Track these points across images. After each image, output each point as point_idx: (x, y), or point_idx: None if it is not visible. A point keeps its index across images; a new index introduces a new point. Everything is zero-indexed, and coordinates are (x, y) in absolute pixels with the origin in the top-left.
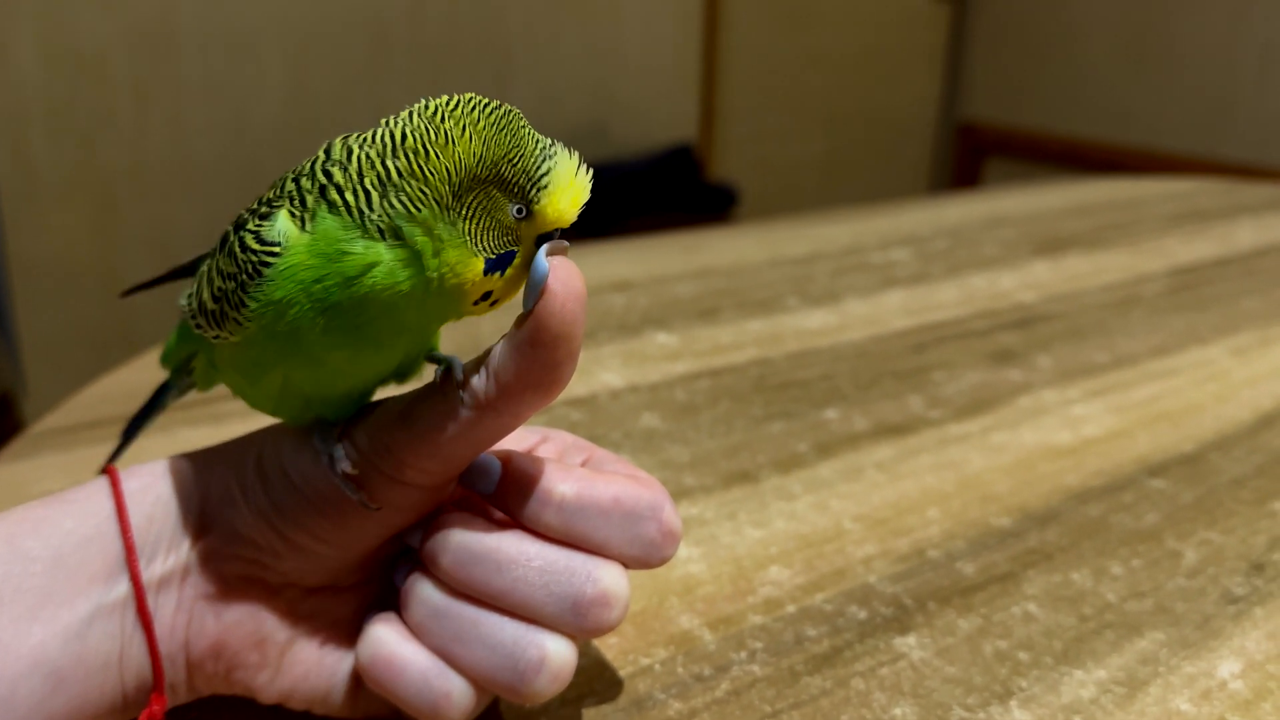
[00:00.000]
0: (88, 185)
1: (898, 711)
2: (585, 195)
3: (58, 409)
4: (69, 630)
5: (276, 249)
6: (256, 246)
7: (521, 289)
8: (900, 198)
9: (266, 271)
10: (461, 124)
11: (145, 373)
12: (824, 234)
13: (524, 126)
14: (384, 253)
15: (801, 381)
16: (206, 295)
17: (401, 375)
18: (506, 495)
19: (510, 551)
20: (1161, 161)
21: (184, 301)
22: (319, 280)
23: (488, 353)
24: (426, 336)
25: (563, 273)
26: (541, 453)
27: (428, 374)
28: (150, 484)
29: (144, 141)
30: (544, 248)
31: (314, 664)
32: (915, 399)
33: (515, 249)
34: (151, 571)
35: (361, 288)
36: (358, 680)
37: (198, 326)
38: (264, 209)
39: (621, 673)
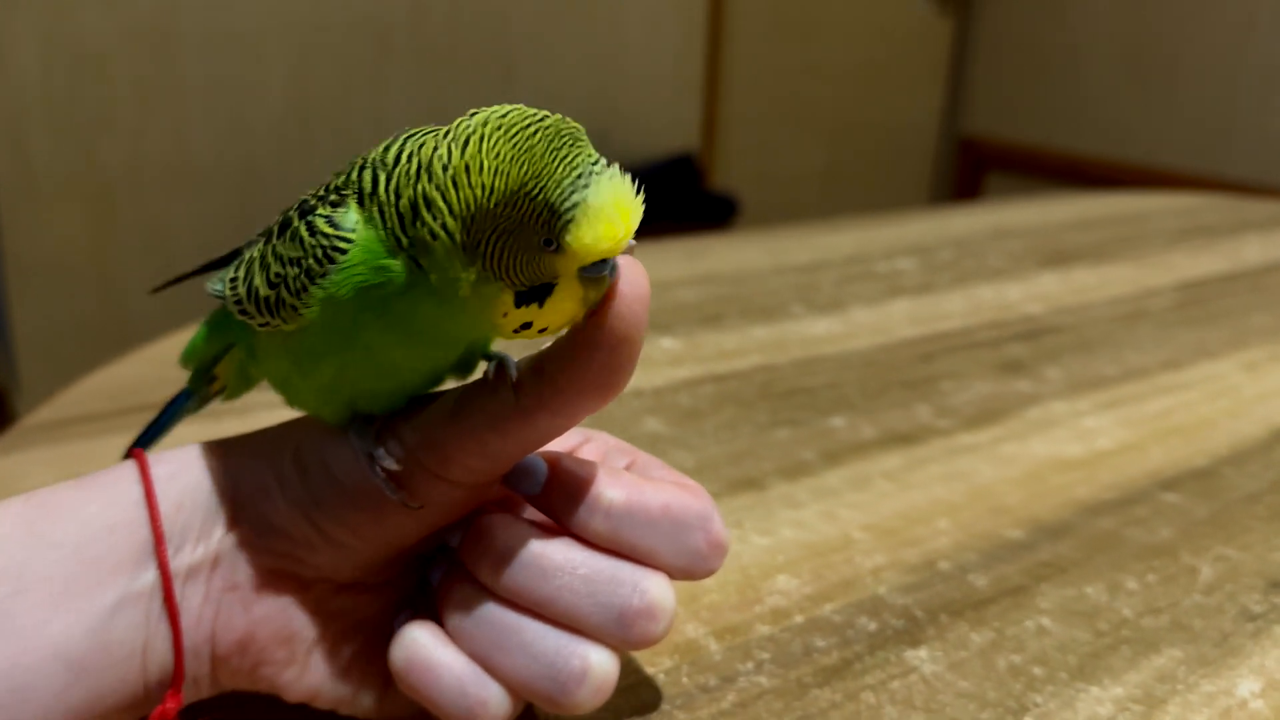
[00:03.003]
0: (86, 184)
1: None
2: (627, 225)
3: (47, 403)
4: (92, 619)
5: (350, 235)
6: (330, 231)
7: (571, 318)
8: (901, 211)
9: (338, 258)
10: (483, 149)
11: (137, 367)
12: (828, 242)
13: (554, 149)
14: (407, 275)
15: (807, 389)
16: (260, 281)
17: (463, 369)
18: (552, 498)
19: (556, 558)
20: (1162, 179)
21: (219, 286)
22: (370, 288)
23: (544, 350)
24: (483, 340)
25: (629, 273)
26: (584, 454)
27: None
28: (180, 470)
29: (143, 141)
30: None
31: (344, 663)
32: (923, 408)
33: (552, 281)
34: (179, 561)
35: (399, 304)
36: (387, 680)
37: (243, 313)
38: (333, 196)
39: (625, 682)
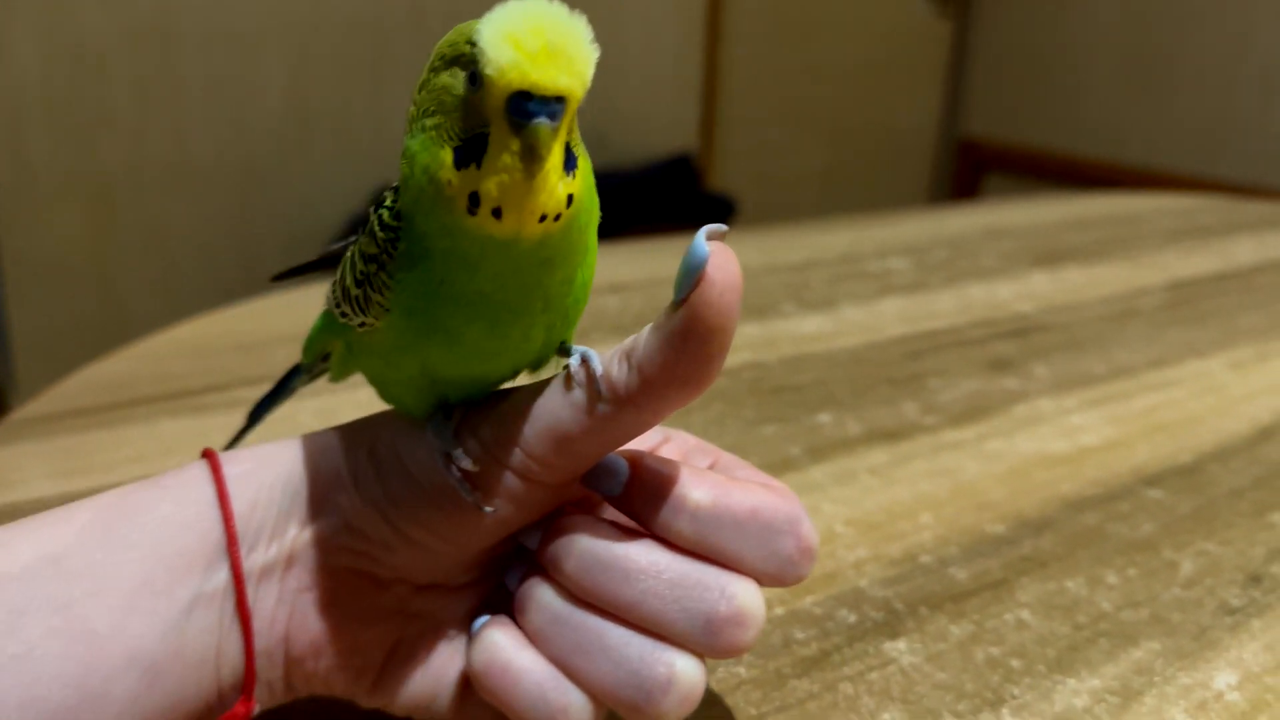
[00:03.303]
0: (85, 182)
1: (886, 716)
2: (545, 41)
3: (40, 397)
4: (168, 621)
5: None
6: (393, 223)
7: (512, 183)
8: (898, 211)
9: (401, 246)
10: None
11: (130, 362)
12: (821, 242)
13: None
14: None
15: (795, 386)
16: (350, 281)
17: (536, 364)
18: (634, 499)
19: (640, 560)
20: (1160, 180)
21: (330, 291)
22: (425, 238)
23: (629, 343)
24: (556, 309)
25: (721, 259)
26: (664, 454)
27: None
28: (254, 469)
29: (143, 140)
30: (702, 231)
31: (421, 666)
32: (910, 405)
33: (484, 129)
34: (253, 561)
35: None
36: (465, 686)
37: (343, 315)
38: (397, 182)
39: None
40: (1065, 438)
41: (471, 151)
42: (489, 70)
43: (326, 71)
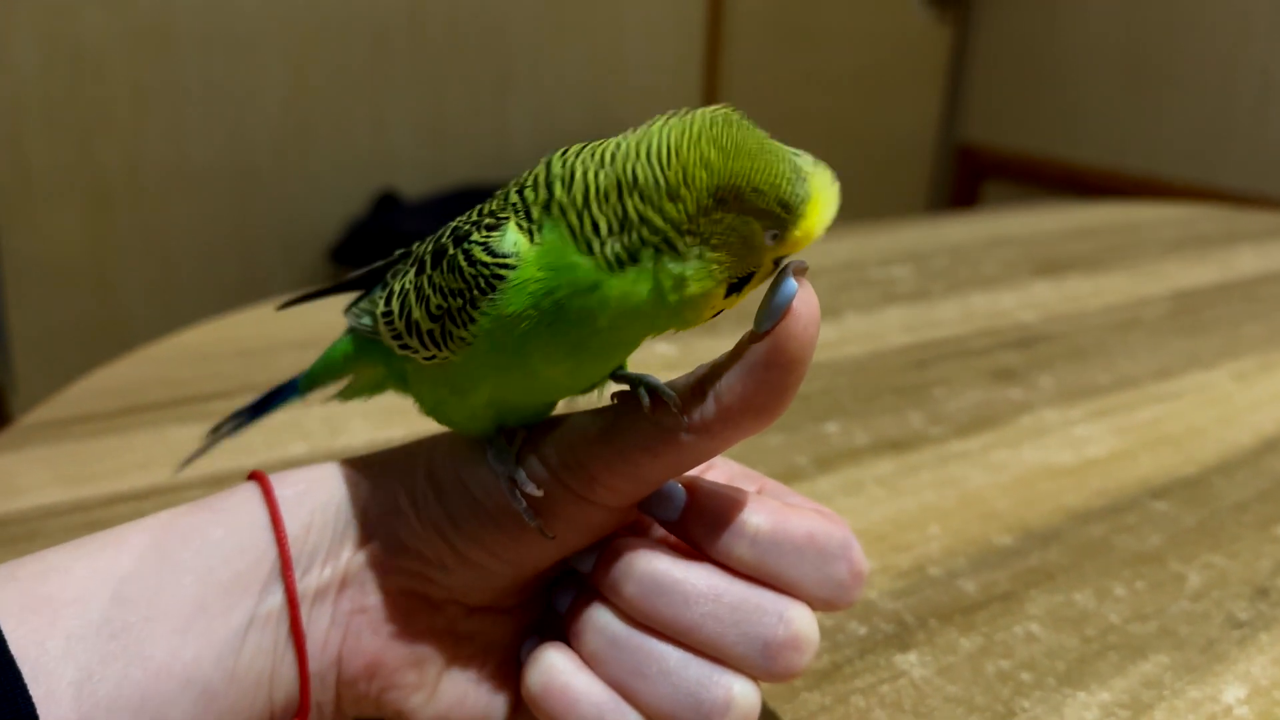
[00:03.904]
0: (83, 184)
1: None
2: (834, 211)
3: (45, 403)
4: (223, 645)
5: (510, 260)
6: (488, 259)
7: (739, 300)
8: (898, 219)
9: (500, 285)
10: (693, 155)
11: (135, 368)
12: (823, 249)
13: (760, 141)
14: (605, 274)
15: (802, 395)
16: (420, 314)
17: (589, 390)
18: (691, 524)
19: (700, 585)
20: (1159, 188)
21: (368, 321)
22: (549, 293)
23: (704, 372)
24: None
25: (805, 294)
26: (711, 479)
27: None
28: (307, 491)
29: (141, 142)
30: (790, 266)
31: (472, 688)
32: (916, 415)
33: (754, 270)
34: (306, 583)
35: (588, 304)
36: (516, 706)
37: (403, 347)
38: (488, 219)
39: None
40: (1070, 449)
41: (740, 286)
42: (800, 237)
43: (325, 76)
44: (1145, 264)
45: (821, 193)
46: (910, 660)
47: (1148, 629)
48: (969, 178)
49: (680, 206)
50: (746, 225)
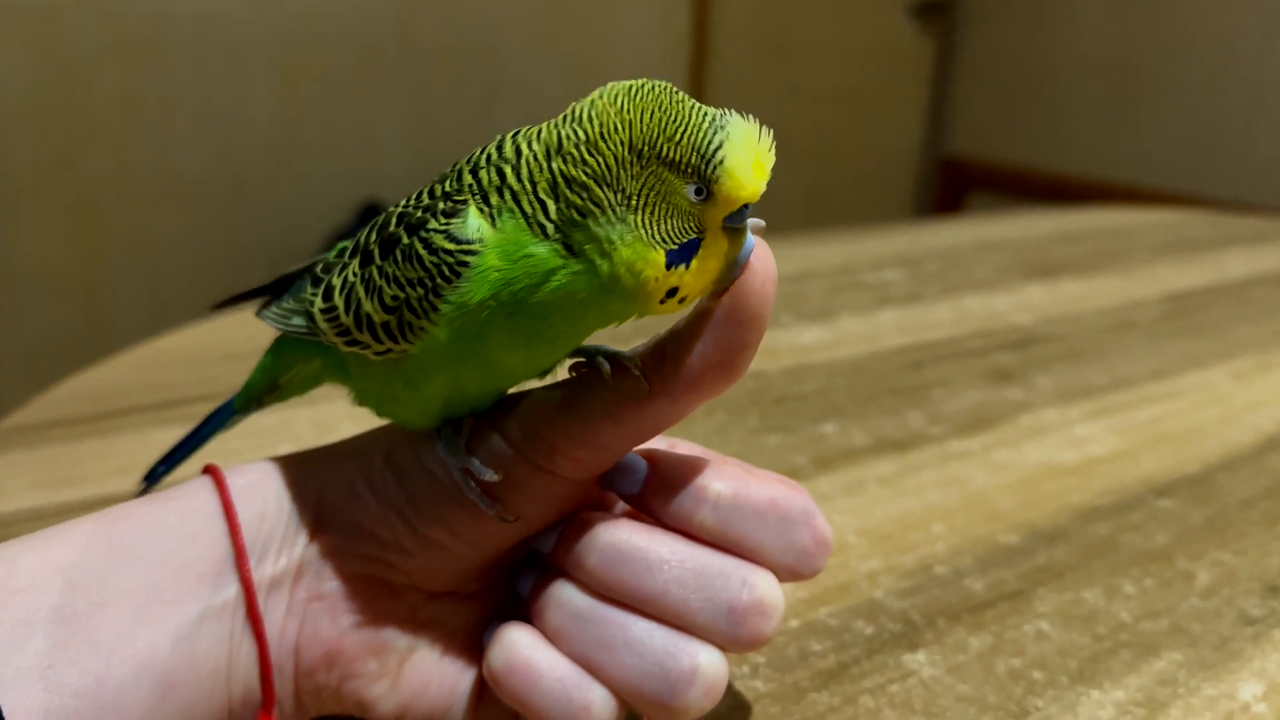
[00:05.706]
0: (70, 194)
1: None
2: (769, 162)
3: (26, 406)
4: (179, 631)
5: (475, 246)
6: (451, 246)
7: (711, 282)
8: (889, 225)
9: (465, 272)
10: (610, 111)
11: (117, 372)
12: (815, 254)
13: (682, 99)
14: (559, 260)
15: (798, 396)
16: (371, 307)
17: (544, 374)
18: (653, 495)
19: (663, 551)
20: (1145, 198)
21: (300, 321)
22: (507, 284)
23: (663, 336)
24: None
25: (761, 251)
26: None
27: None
28: (259, 481)
29: (129, 152)
30: (750, 223)
31: (434, 675)
32: (915, 415)
33: (699, 235)
34: (262, 572)
35: (545, 293)
36: (480, 694)
37: (351, 343)
38: (444, 204)
39: None
40: (1072, 448)
41: (683, 255)
42: (728, 188)
43: (314, 86)
44: (1137, 267)
45: (745, 143)
46: (919, 660)
47: (1159, 626)
48: (954, 189)
49: (600, 160)
50: (666, 181)
